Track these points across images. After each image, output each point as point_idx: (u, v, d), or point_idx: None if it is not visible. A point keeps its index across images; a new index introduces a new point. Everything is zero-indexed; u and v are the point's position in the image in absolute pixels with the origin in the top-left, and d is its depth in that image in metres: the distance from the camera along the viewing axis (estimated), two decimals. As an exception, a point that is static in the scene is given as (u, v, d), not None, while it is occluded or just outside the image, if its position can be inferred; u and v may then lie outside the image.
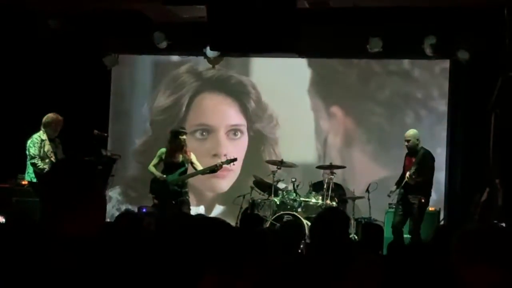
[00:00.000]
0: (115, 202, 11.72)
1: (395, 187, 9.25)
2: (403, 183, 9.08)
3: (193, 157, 9.50)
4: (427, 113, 11.14)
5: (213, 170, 9.55)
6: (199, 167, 9.51)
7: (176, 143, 9.38)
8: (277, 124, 11.59)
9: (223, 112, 11.81)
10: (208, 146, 11.60)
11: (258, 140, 11.63)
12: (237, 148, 11.54)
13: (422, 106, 11.22)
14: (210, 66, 11.77)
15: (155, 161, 9.55)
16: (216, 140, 11.67)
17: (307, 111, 11.52)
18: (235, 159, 9.75)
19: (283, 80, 11.58)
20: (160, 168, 9.57)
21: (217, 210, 11.43)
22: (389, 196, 9.31)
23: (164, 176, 9.38)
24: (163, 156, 9.49)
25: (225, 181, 11.46)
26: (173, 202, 9.35)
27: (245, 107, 11.69)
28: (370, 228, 6.66)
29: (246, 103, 11.68)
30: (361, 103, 11.37)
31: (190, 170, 9.55)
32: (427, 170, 9.12)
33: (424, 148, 9.26)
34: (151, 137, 11.83)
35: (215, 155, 11.29)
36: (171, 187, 9.36)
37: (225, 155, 10.12)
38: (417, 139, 9.21)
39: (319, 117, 11.50)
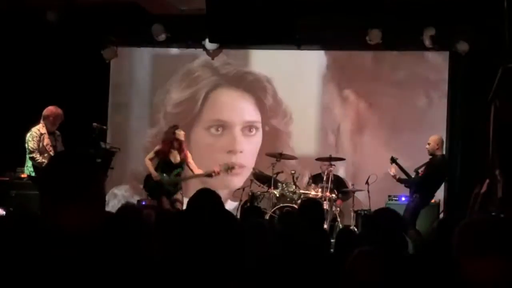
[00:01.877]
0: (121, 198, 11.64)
1: None
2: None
3: (189, 156, 9.53)
4: (426, 105, 11.13)
5: (209, 175, 9.54)
6: (195, 167, 9.55)
7: (172, 142, 9.38)
8: (290, 119, 11.58)
9: (239, 108, 11.76)
10: (223, 142, 11.59)
11: (273, 135, 11.61)
12: (251, 144, 11.55)
13: (421, 98, 11.21)
14: (226, 61, 11.67)
15: (151, 154, 9.56)
16: (231, 136, 11.63)
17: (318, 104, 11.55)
18: (233, 167, 9.75)
19: (295, 72, 11.60)
20: (154, 162, 9.57)
21: (230, 206, 11.22)
22: None
23: (159, 177, 9.39)
24: (159, 154, 9.49)
25: (239, 178, 11.34)
26: (167, 199, 9.39)
27: (261, 103, 11.64)
28: (371, 220, 6.64)
29: (263, 99, 11.63)
30: (359, 98, 11.38)
31: (186, 169, 9.60)
32: (430, 171, 9.21)
33: (442, 155, 9.40)
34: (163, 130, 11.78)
35: (230, 152, 11.34)
36: (165, 186, 9.38)
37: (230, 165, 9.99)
38: (437, 144, 9.27)
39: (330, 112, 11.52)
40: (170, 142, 9.41)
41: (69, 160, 2.37)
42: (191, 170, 9.57)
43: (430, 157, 9.30)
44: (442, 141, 9.48)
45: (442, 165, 9.38)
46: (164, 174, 9.41)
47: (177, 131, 9.42)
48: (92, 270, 2.18)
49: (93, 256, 2.21)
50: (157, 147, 9.57)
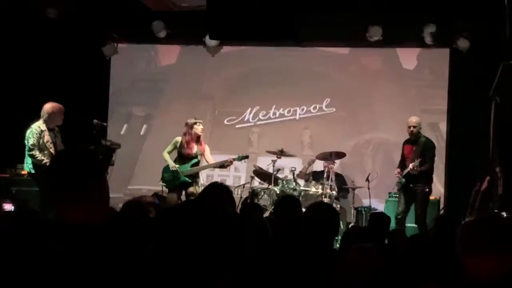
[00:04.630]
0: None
1: (403, 179, 9.05)
2: (405, 172, 8.97)
3: (207, 149, 9.52)
4: (427, 102, 11.13)
5: (222, 165, 9.56)
6: (211, 159, 9.53)
7: (192, 134, 9.41)
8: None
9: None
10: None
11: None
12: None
13: (422, 94, 11.22)
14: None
15: (169, 148, 9.59)
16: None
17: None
18: (246, 156, 9.73)
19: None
20: (173, 156, 9.60)
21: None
22: (398, 185, 9.23)
23: (177, 166, 9.41)
24: (178, 145, 9.51)
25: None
26: (183, 191, 9.40)
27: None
28: (377, 217, 6.65)
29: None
30: (360, 94, 11.39)
31: (202, 162, 9.59)
32: (430, 158, 9.03)
33: (425, 136, 9.22)
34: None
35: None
36: (182, 178, 9.39)
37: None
38: (421, 127, 9.15)
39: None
40: (189, 134, 9.45)
41: (73, 157, 2.38)
42: (207, 162, 9.58)
43: (409, 139, 9.12)
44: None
45: (433, 146, 9.23)
46: (180, 166, 9.44)
47: (195, 126, 9.45)
48: (94, 265, 2.19)
49: (96, 252, 2.21)
50: (176, 139, 9.59)
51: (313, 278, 3.23)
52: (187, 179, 9.38)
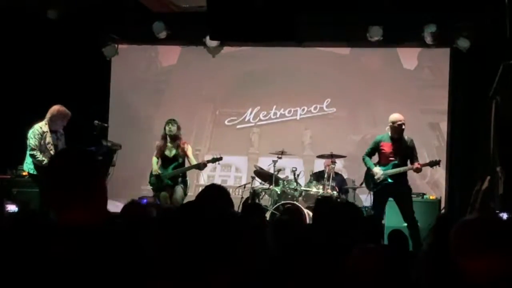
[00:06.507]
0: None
1: (389, 179, 8.58)
2: (393, 172, 8.55)
3: (189, 151, 9.51)
4: (427, 102, 11.13)
5: (198, 167, 9.57)
6: (193, 161, 9.53)
7: (166, 136, 9.46)
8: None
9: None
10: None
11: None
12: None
13: (422, 94, 11.21)
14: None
15: (155, 152, 9.63)
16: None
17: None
18: (220, 158, 9.69)
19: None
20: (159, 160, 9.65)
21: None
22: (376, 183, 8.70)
23: (158, 171, 9.44)
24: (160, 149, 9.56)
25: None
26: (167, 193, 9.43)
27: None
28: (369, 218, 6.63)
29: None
30: (361, 94, 11.38)
31: (187, 163, 9.60)
32: (416, 156, 8.74)
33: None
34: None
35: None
36: (165, 181, 9.43)
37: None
38: None
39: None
40: (164, 136, 9.48)
41: (71, 158, 2.38)
42: (189, 163, 9.59)
43: (395, 137, 8.57)
44: None
45: None
46: (163, 168, 9.48)
47: (166, 126, 9.47)
48: (92, 267, 2.19)
49: (94, 252, 2.21)
50: (156, 143, 9.64)
51: (320, 278, 3.23)
52: (169, 181, 9.42)
